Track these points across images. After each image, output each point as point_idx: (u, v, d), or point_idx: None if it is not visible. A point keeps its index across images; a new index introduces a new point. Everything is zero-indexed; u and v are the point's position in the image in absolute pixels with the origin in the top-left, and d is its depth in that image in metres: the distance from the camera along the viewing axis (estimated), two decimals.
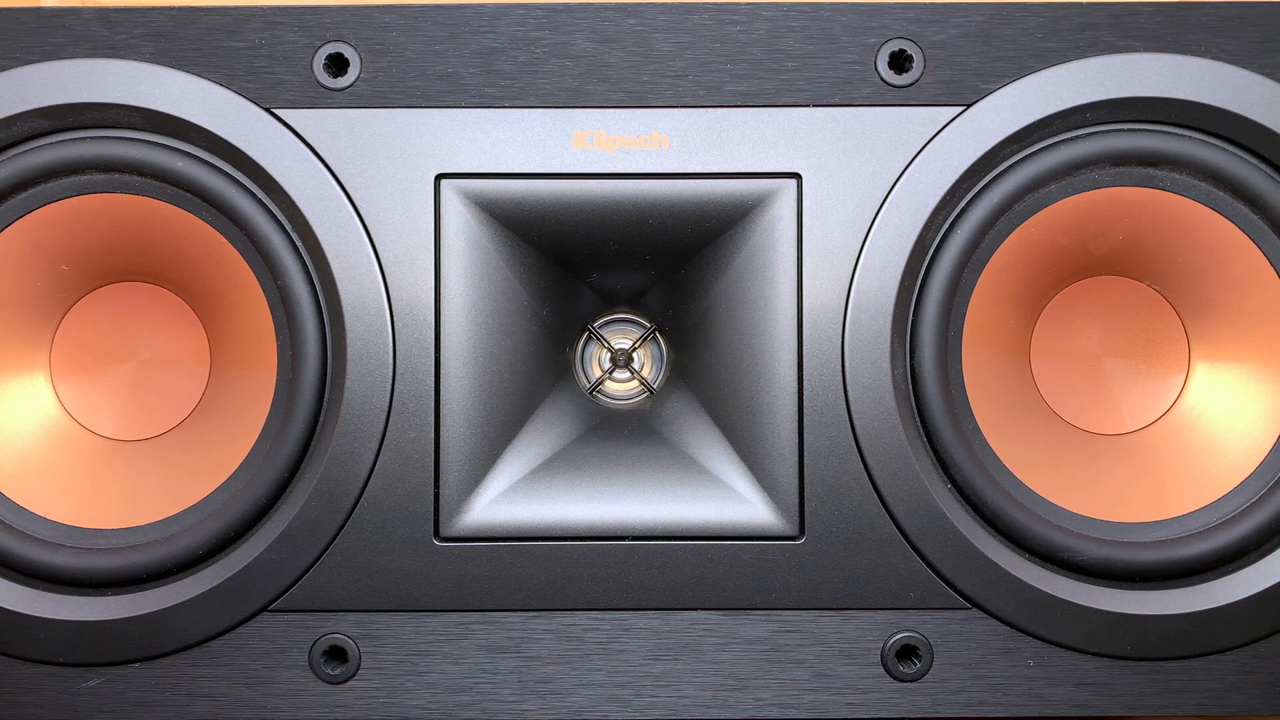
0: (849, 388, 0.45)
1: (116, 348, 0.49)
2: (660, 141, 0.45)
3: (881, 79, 0.45)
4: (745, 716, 0.45)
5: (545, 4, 0.45)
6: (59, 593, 0.45)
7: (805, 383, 0.45)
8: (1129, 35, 0.45)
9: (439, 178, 0.45)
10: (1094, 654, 0.45)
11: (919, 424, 0.45)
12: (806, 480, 0.45)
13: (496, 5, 0.45)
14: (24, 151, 0.45)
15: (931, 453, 0.45)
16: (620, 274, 0.48)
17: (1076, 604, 0.45)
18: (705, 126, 0.45)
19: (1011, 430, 0.46)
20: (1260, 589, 0.45)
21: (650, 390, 0.49)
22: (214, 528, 0.45)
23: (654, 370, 0.50)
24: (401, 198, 0.45)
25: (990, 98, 0.45)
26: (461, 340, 0.45)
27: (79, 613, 0.45)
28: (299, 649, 0.45)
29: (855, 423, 0.45)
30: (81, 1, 0.54)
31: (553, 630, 0.45)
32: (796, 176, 0.45)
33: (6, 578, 0.45)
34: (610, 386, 0.50)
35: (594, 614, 0.45)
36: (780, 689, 0.45)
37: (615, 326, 0.50)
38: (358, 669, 0.45)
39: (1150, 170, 0.46)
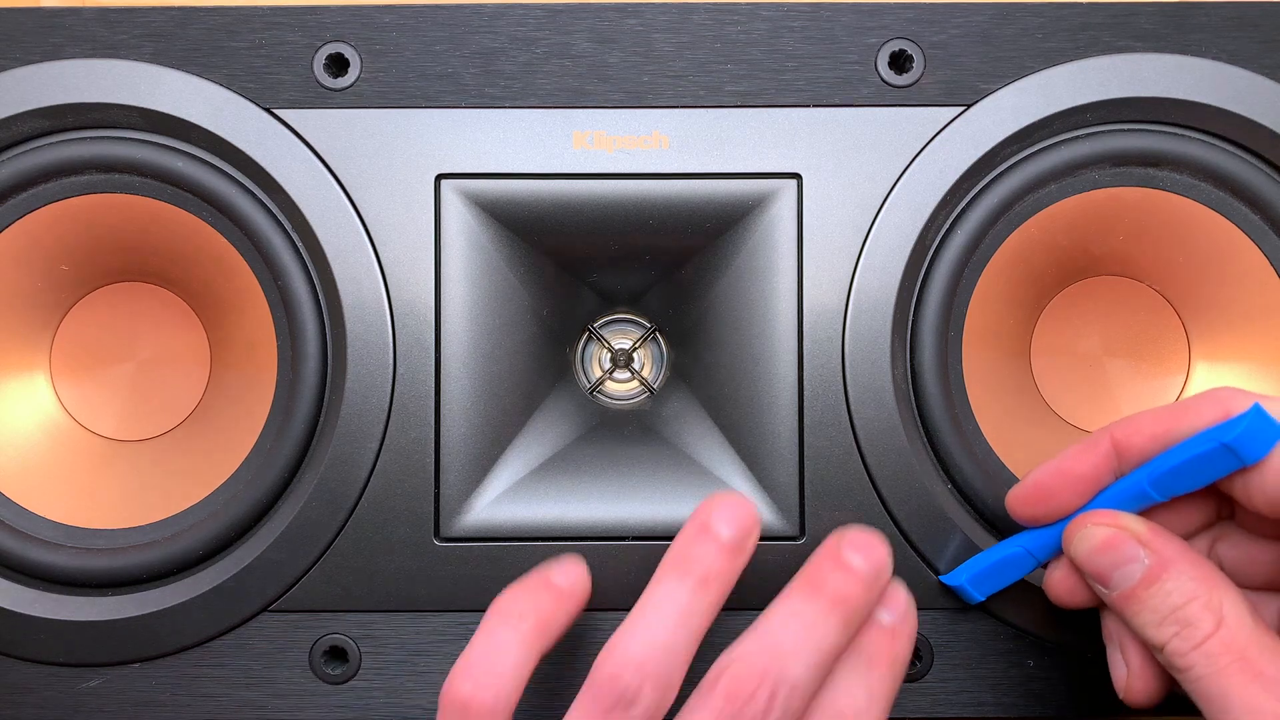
0: (849, 388, 0.45)
1: (116, 348, 0.49)
2: (660, 141, 0.45)
3: (881, 79, 0.45)
4: None
5: (545, 4, 0.45)
6: (59, 593, 0.45)
7: (805, 383, 0.45)
8: (1129, 35, 0.45)
9: (439, 178, 0.45)
10: (1095, 654, 0.45)
11: (919, 424, 0.45)
12: (807, 480, 0.45)
13: (496, 5, 0.45)
14: (24, 152, 0.45)
15: (931, 453, 0.45)
16: (620, 274, 0.48)
17: None
18: (705, 127, 0.45)
19: (1011, 430, 0.46)
20: None
21: (650, 390, 0.49)
22: (214, 528, 0.45)
23: (654, 370, 0.50)
24: (401, 198, 0.45)
25: (990, 98, 0.45)
26: (461, 340, 0.45)
27: (79, 613, 0.45)
28: (299, 649, 0.45)
29: (855, 423, 0.45)
30: (81, 1, 0.54)
31: None
32: (796, 177, 0.45)
33: (6, 578, 0.45)
34: (610, 386, 0.50)
35: (594, 614, 0.45)
36: None
37: (615, 326, 0.50)
38: (358, 669, 0.45)
39: (1151, 170, 0.46)
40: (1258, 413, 0.35)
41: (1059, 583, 0.41)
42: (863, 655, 0.39)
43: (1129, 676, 0.39)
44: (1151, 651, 0.38)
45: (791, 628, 0.38)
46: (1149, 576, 0.37)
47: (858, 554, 0.39)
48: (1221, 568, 0.40)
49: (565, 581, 0.40)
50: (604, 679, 0.37)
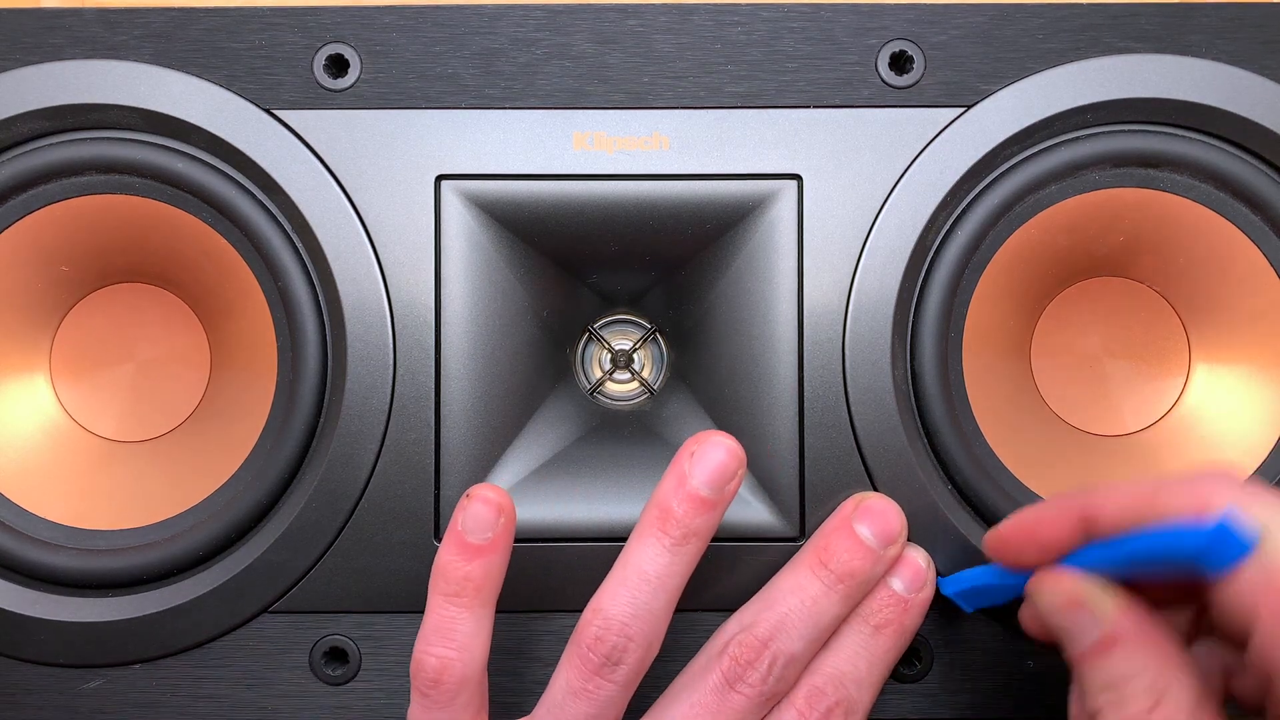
0: (849, 389, 0.45)
1: (116, 348, 0.49)
2: (661, 143, 0.45)
3: (882, 80, 0.45)
4: None
5: (545, 5, 0.45)
6: (59, 594, 0.45)
7: (805, 384, 0.45)
8: (1130, 36, 0.45)
9: (439, 179, 0.45)
10: None
11: (919, 425, 0.45)
12: (807, 481, 0.45)
13: (496, 6, 0.45)
14: (24, 152, 0.45)
15: (931, 453, 0.45)
16: (620, 275, 0.48)
17: None
18: (706, 128, 0.45)
19: (1011, 431, 0.46)
20: None
21: (650, 391, 0.49)
22: (214, 529, 0.45)
23: (654, 371, 0.50)
24: (401, 199, 0.45)
25: (991, 99, 0.45)
26: (461, 341, 0.45)
27: (79, 614, 0.45)
28: (299, 650, 0.45)
29: (856, 424, 0.45)
30: (81, 2, 0.54)
31: (553, 630, 0.45)
32: (797, 178, 0.45)
33: (7, 579, 0.45)
34: (610, 387, 0.50)
35: None
36: None
37: (615, 327, 0.50)
38: (358, 670, 0.45)
39: (1151, 171, 0.46)
40: (1223, 528, 0.33)
41: (1029, 621, 0.41)
42: (870, 623, 0.42)
43: (1079, 716, 0.38)
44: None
45: (794, 603, 0.41)
46: (1097, 647, 0.36)
47: (869, 525, 0.42)
48: (1214, 629, 0.39)
49: (481, 535, 0.40)
50: (590, 641, 0.39)
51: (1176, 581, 0.38)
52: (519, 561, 0.44)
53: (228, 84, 0.45)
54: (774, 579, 0.42)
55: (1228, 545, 0.33)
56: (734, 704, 0.40)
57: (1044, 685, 0.45)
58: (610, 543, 0.45)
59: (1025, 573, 0.40)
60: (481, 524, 0.40)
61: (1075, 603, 0.37)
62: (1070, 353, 0.49)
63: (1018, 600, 0.43)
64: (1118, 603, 0.37)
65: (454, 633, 0.40)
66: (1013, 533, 0.40)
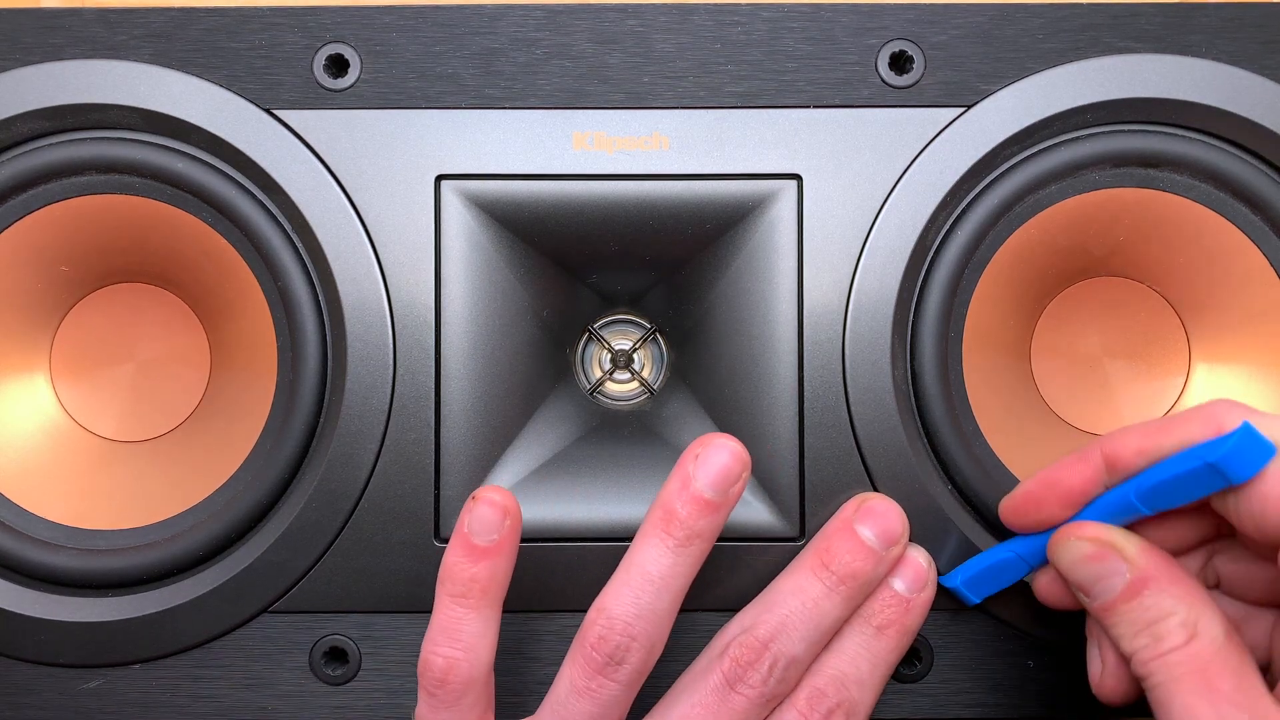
0: (849, 389, 0.45)
1: (116, 348, 0.49)
2: (660, 143, 0.45)
3: (882, 80, 0.45)
4: None
5: (545, 5, 0.45)
6: (59, 594, 0.45)
7: (805, 384, 0.45)
8: (1130, 36, 0.45)
9: (439, 179, 0.45)
10: None
11: (919, 425, 0.45)
12: (807, 481, 0.45)
13: (496, 6, 0.45)
14: (24, 152, 0.45)
15: (932, 453, 0.45)
16: (620, 275, 0.48)
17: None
18: (706, 128, 0.45)
19: (1012, 431, 0.46)
20: None
21: (650, 391, 0.49)
22: (214, 529, 0.45)
23: (654, 371, 0.50)
24: (401, 199, 0.45)
25: (991, 99, 0.45)
26: (461, 341, 0.45)
27: (79, 614, 0.45)
28: (299, 650, 0.45)
29: (856, 424, 0.45)
30: (82, 2, 0.54)
31: (553, 630, 0.45)
32: (797, 178, 0.45)
33: (7, 579, 0.45)
34: (610, 387, 0.50)
35: None
36: None
37: (615, 327, 0.50)
38: (358, 670, 0.45)
39: (1151, 171, 0.46)
40: (1246, 432, 0.35)
41: (1045, 587, 0.42)
42: (872, 623, 0.42)
43: (1103, 674, 0.40)
44: (1123, 658, 0.38)
45: (795, 604, 0.41)
46: (1129, 591, 0.37)
47: (870, 526, 0.42)
48: (1219, 581, 0.40)
49: (487, 538, 0.40)
50: (594, 640, 0.39)
51: (1196, 509, 0.39)
52: (520, 561, 0.44)
53: (228, 84, 0.45)
54: (775, 581, 0.42)
55: (1252, 448, 0.35)
56: (735, 705, 0.40)
57: (1043, 685, 0.45)
58: (611, 543, 0.45)
59: (1035, 540, 0.41)
60: (487, 526, 0.40)
61: (1100, 552, 0.38)
62: (1070, 353, 0.49)
63: (1024, 588, 0.43)
64: (1141, 545, 0.38)
65: (460, 633, 0.40)
66: (1036, 487, 0.40)
